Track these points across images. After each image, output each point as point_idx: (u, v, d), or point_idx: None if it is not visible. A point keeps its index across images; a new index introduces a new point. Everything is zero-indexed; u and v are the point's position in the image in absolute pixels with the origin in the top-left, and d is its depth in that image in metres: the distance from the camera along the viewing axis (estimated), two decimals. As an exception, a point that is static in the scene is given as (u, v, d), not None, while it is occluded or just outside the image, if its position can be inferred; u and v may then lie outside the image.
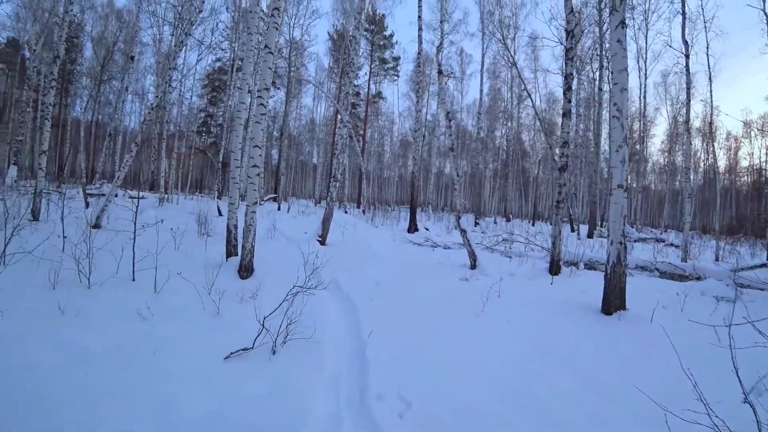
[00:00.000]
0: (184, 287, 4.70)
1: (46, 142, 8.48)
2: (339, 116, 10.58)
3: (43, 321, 3.60)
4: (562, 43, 16.01)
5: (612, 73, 5.01)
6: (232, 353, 3.27)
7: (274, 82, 28.00)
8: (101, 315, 3.87)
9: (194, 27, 18.02)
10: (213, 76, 29.63)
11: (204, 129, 32.53)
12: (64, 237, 5.84)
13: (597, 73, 19.56)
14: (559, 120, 32.02)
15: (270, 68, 5.92)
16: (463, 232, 7.70)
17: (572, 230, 19.84)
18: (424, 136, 28.51)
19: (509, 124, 29.36)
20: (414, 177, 15.30)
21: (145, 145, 27.70)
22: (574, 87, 11.21)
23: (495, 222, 25.08)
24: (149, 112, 9.64)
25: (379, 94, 33.19)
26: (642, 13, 22.08)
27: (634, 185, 28.84)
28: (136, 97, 28.80)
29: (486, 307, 4.98)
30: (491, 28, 21.66)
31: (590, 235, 17.43)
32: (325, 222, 9.45)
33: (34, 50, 16.93)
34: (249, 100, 6.41)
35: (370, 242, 9.72)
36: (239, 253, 5.94)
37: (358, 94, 30.17)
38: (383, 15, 28.95)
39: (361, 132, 28.35)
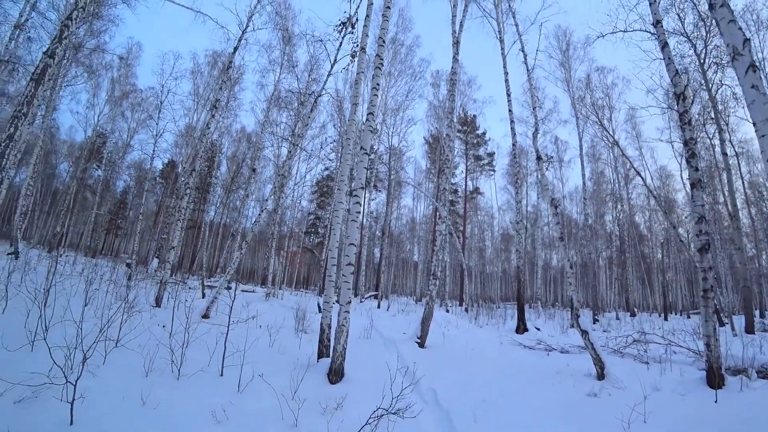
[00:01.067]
0: (268, 389, 4.49)
1: (175, 240, 9.91)
2: (438, 213, 10.53)
3: (121, 411, 3.64)
4: (672, 108, 14.82)
5: (755, 125, 4.19)
6: None
7: (375, 185, 29.98)
8: (179, 412, 3.82)
9: (304, 141, 20.53)
10: (322, 183, 32.63)
11: (312, 230, 35.63)
12: (163, 326, 6.29)
13: (716, 139, 17.51)
14: (677, 196, 29.12)
15: (366, 168, 6.11)
16: (584, 333, 6.60)
17: (721, 324, 16.41)
18: (526, 228, 27.38)
19: (619, 206, 27.09)
20: (519, 271, 14.26)
21: (261, 244, 30.90)
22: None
23: (617, 317, 21.94)
24: (259, 214, 10.59)
25: (476, 190, 33.36)
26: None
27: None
28: (257, 203, 33.03)
29: None
30: (584, 112, 21.02)
31: (749, 330, 14.20)
32: (425, 322, 8.92)
33: (184, 167, 20.35)
34: (345, 201, 6.59)
35: (474, 345, 8.82)
36: (331, 354, 5.66)
37: (455, 191, 30.66)
38: (474, 116, 30.21)
39: (461, 228, 28.16)
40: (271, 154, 24.43)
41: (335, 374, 5.33)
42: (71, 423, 3.28)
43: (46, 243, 23.87)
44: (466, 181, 30.02)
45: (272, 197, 11.75)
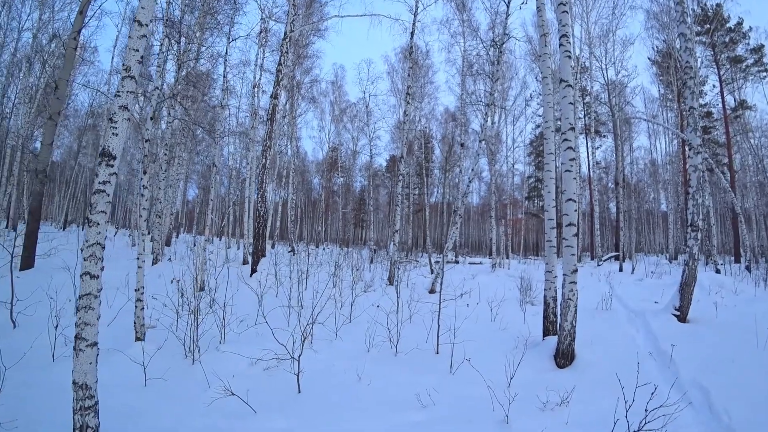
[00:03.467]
0: (484, 370, 4.14)
1: (397, 223, 10.92)
2: (687, 145, 8.19)
3: (340, 385, 4.12)
4: None
5: None
6: None
7: (598, 131, 26.00)
8: (387, 390, 4.02)
9: (507, 102, 19.51)
10: (535, 142, 30.24)
11: (534, 193, 33.63)
12: (377, 306, 6.83)
13: None
14: None
15: (571, 103, 5.10)
16: None
17: None
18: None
19: None
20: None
21: (485, 216, 31.93)
22: None
23: None
24: (466, 189, 10.54)
25: (741, 104, 24.71)
26: None
27: None
28: (475, 177, 33.58)
29: None
30: None
31: None
32: (685, 288, 7.00)
33: (402, 158, 22.26)
34: (553, 147, 5.69)
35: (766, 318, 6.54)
36: (558, 333, 4.97)
37: (708, 114, 23.85)
38: (718, 5, 21.93)
39: (725, 161, 21.89)
40: (477, 126, 24.32)
41: (563, 357, 4.67)
42: (299, 392, 3.89)
43: (312, 241, 32.01)
44: (722, 96, 22.48)
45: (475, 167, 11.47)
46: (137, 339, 4.85)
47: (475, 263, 18.61)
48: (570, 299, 4.69)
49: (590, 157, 22.56)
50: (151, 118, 7.60)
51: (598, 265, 18.55)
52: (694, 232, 7.12)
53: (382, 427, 3.33)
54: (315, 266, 10.65)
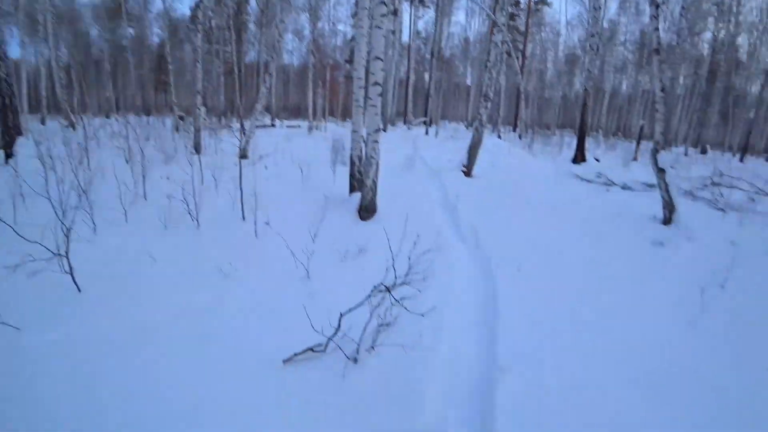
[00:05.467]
0: (288, 231, 4.17)
1: (198, 83, 9.09)
2: (494, 25, 8.79)
3: (131, 272, 3.50)
4: None
5: None
6: (296, 354, 2.45)
7: (422, 0, 25.96)
8: (187, 267, 3.66)
9: None
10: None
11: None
12: (167, 178, 5.85)
13: None
14: None
15: None
16: (661, 171, 5.69)
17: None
18: (597, 47, 23.65)
19: (721, 24, 22.35)
20: (586, 94, 12.62)
21: (305, 78, 29.38)
22: None
23: (686, 154, 20.24)
24: (278, 41, 9.32)
25: (543, 0, 28.20)
26: None
27: None
28: (295, 36, 30.37)
29: (705, 312, 3.12)
30: None
31: None
32: (472, 150, 8.22)
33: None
34: (368, 2, 5.25)
35: (526, 176, 8.19)
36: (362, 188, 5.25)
37: (517, 3, 26.09)
38: None
39: (521, 47, 24.78)
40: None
41: (366, 210, 5.00)
42: (79, 291, 3.14)
43: (102, 111, 24.37)
44: None
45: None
46: None
47: (292, 127, 18.00)
48: (372, 157, 4.87)
49: (412, 26, 22.91)
50: None
51: (409, 129, 20.10)
52: (486, 102, 8.05)
53: (170, 312, 2.97)
54: (104, 141, 8.71)
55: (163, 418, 2.04)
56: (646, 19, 27.46)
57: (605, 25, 25.56)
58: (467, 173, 8.07)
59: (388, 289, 2.50)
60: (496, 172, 8.30)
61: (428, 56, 27.84)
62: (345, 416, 2.09)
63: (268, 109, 21.75)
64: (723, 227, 5.44)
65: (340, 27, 28.66)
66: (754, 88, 26.07)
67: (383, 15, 4.66)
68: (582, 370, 2.51)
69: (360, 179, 5.52)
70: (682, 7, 18.47)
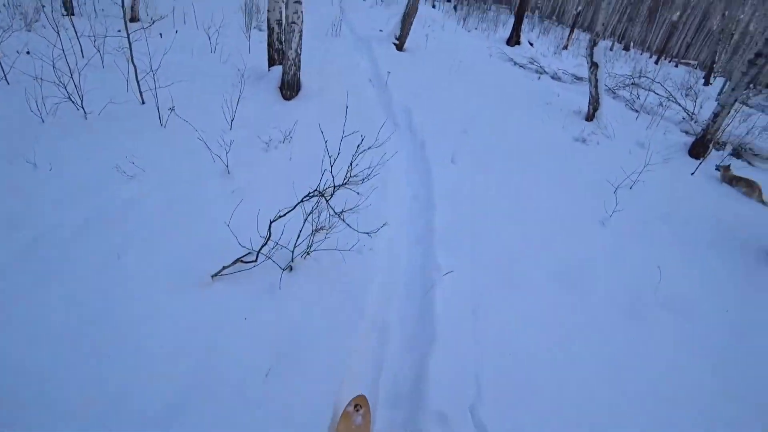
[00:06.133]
0: (199, 117, 3.44)
1: None
2: None
3: (9, 181, 2.60)
4: None
5: None
6: (225, 267, 2.10)
7: None
8: (78, 169, 2.79)
9: None
10: None
11: None
12: (27, 52, 4.22)
13: None
14: None
15: None
16: (594, 66, 5.56)
17: (706, 83, 15.71)
18: None
19: None
20: (533, -30, 11.64)
21: None
22: None
23: (611, 48, 20.61)
24: None
25: None
26: None
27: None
28: None
29: (614, 212, 3.27)
30: None
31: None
32: (406, 19, 7.28)
33: None
34: None
35: (461, 53, 7.65)
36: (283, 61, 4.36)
37: None
38: None
39: None
40: None
41: (289, 88, 4.23)
42: None
43: None
44: None
45: None
46: None
47: None
48: (294, 23, 3.98)
49: None
50: None
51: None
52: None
53: (81, 215, 2.40)
54: None
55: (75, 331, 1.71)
56: None
57: None
58: (399, 46, 7.25)
59: (322, 194, 2.15)
60: (430, 47, 7.62)
61: None
62: (281, 332, 1.90)
63: None
64: (635, 128, 5.66)
65: None
66: None
67: None
68: (509, 267, 2.56)
69: (280, 49, 4.60)
70: None
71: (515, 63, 8.41)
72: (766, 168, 5.75)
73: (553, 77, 8.04)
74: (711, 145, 5.34)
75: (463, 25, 12.86)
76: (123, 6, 3.48)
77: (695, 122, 6.61)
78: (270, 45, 4.70)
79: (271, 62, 4.74)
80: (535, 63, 8.57)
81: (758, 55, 4.79)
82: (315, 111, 3.86)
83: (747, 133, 6.20)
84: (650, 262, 2.78)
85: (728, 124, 5.63)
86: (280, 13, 4.50)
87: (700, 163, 4.90)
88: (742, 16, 19.22)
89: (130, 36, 3.51)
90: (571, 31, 14.52)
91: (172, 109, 3.39)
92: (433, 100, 4.87)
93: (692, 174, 4.69)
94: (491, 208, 3.06)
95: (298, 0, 3.91)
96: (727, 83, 14.06)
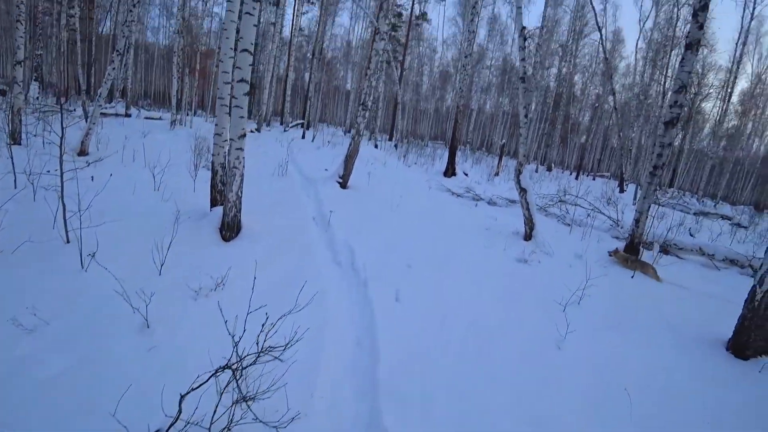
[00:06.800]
0: (127, 260, 3.29)
1: (20, 51, 7.13)
2: (377, 31, 8.70)
3: None
4: None
5: None
6: None
7: (308, -5, 25.46)
8: None
9: None
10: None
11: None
12: None
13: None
14: (621, 64, 29.06)
15: None
16: (523, 191, 6.09)
17: (621, 191, 17.69)
18: (469, 67, 25.79)
19: (564, 62, 26.17)
20: (459, 111, 13.27)
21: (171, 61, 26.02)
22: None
23: (537, 170, 23.05)
24: (129, 12, 7.60)
25: (423, 16, 29.63)
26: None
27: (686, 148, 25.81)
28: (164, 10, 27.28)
29: (568, 334, 3.23)
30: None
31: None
32: (349, 160, 7.85)
33: None
34: None
35: (402, 188, 8.19)
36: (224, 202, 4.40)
37: (400, 15, 27.06)
38: None
39: (400, 58, 25.67)
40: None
41: (228, 229, 4.23)
42: None
43: None
44: (413, 4, 26.20)
45: None
46: None
47: (152, 118, 15.58)
48: (236, 168, 4.15)
49: (295, 20, 22.19)
50: None
51: (285, 131, 19.26)
52: (363, 111, 7.84)
53: None
54: None
55: None
56: (508, 48, 31.01)
57: (475, 47, 27.91)
58: (343, 184, 7.74)
59: (233, 371, 1.90)
60: (373, 184, 8.15)
61: (309, 56, 27.29)
62: None
63: (123, 94, 18.84)
64: (571, 241, 6.03)
65: (216, 10, 26.50)
66: (586, 118, 31.38)
67: (256, 0, 4.06)
68: (469, 405, 2.36)
69: (222, 191, 4.74)
70: (538, 44, 20.93)
71: (453, 193, 9.09)
72: (692, 259, 6.23)
73: (489, 203, 8.68)
74: (641, 248, 5.79)
75: (403, 161, 14.06)
76: (61, 144, 3.45)
77: (621, 228, 7.22)
78: (213, 186, 4.88)
79: (214, 203, 4.86)
80: (471, 191, 9.31)
81: (655, 167, 5.51)
82: (255, 253, 3.75)
83: (668, 231, 6.82)
84: (614, 386, 2.71)
85: (650, 226, 6.21)
86: (225, 156, 4.76)
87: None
88: (633, 134, 22.92)
89: (70, 172, 3.52)
90: (500, 160, 16.17)
91: (92, 255, 3.17)
92: (376, 236, 4.97)
93: (632, 277, 4.94)
94: (442, 349, 2.90)
95: (239, 147, 4.12)
96: (638, 188, 15.87)
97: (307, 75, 30.80)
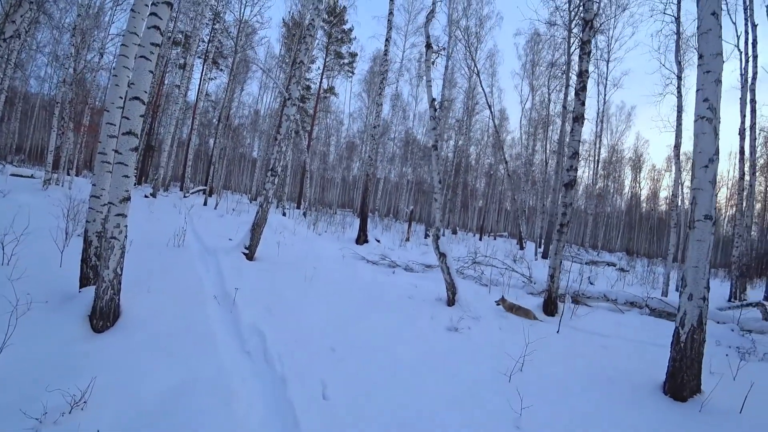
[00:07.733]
0: None
1: None
2: (287, 99, 8.54)
3: None
4: (577, 37, 15.17)
5: (702, 57, 3.51)
6: None
7: (217, 62, 25.23)
8: None
9: None
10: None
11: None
12: None
13: (559, 93, 19.38)
14: (508, 137, 33.15)
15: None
16: (443, 256, 5.96)
17: (521, 248, 19.02)
18: (375, 138, 27.01)
19: (460, 136, 28.68)
20: (368, 179, 13.38)
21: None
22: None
23: (443, 233, 23.92)
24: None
25: (331, 90, 30.97)
26: (605, 40, 22.55)
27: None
28: (56, 60, 25.04)
29: (522, 410, 2.90)
30: (458, 34, 20.69)
31: (545, 256, 16.63)
32: (256, 229, 7.12)
33: None
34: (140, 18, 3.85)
35: (314, 258, 7.65)
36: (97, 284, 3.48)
37: (308, 88, 27.90)
38: (344, 8, 26.49)
39: (308, 128, 26.06)
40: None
41: (102, 317, 3.30)
42: None
43: None
44: (321, 78, 27.32)
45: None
46: None
47: (21, 176, 13.51)
48: (115, 238, 3.38)
49: (201, 84, 21.74)
50: None
51: (185, 197, 17.89)
52: (273, 177, 7.37)
53: None
54: None
55: None
56: (410, 123, 33.34)
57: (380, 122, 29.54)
58: (249, 256, 6.98)
59: None
60: (282, 254, 7.50)
61: (215, 121, 26.51)
62: None
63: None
64: (491, 302, 5.94)
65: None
66: (482, 184, 34.55)
67: (155, 44, 3.55)
68: None
69: (97, 267, 3.88)
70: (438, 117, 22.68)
71: (368, 261, 8.76)
72: (598, 306, 6.61)
73: (406, 269, 8.47)
74: (558, 302, 5.93)
75: (314, 229, 13.57)
76: None
77: (534, 283, 7.42)
78: (84, 261, 3.92)
79: (84, 282, 3.88)
80: (386, 258, 9.06)
81: (561, 225, 5.89)
82: (136, 349, 2.96)
83: (574, 282, 7.19)
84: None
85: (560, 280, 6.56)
86: (102, 224, 3.86)
87: (560, 321, 5.30)
88: (524, 197, 25.85)
89: None
90: (409, 225, 16.50)
91: None
92: (290, 314, 4.32)
93: (557, 332, 4.92)
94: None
95: (121, 212, 3.37)
96: (537, 246, 17.18)
97: (212, 141, 29.74)
